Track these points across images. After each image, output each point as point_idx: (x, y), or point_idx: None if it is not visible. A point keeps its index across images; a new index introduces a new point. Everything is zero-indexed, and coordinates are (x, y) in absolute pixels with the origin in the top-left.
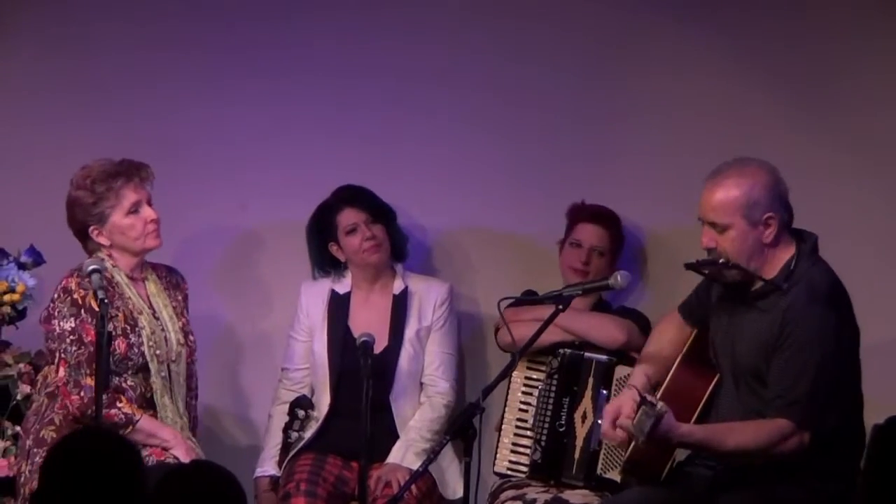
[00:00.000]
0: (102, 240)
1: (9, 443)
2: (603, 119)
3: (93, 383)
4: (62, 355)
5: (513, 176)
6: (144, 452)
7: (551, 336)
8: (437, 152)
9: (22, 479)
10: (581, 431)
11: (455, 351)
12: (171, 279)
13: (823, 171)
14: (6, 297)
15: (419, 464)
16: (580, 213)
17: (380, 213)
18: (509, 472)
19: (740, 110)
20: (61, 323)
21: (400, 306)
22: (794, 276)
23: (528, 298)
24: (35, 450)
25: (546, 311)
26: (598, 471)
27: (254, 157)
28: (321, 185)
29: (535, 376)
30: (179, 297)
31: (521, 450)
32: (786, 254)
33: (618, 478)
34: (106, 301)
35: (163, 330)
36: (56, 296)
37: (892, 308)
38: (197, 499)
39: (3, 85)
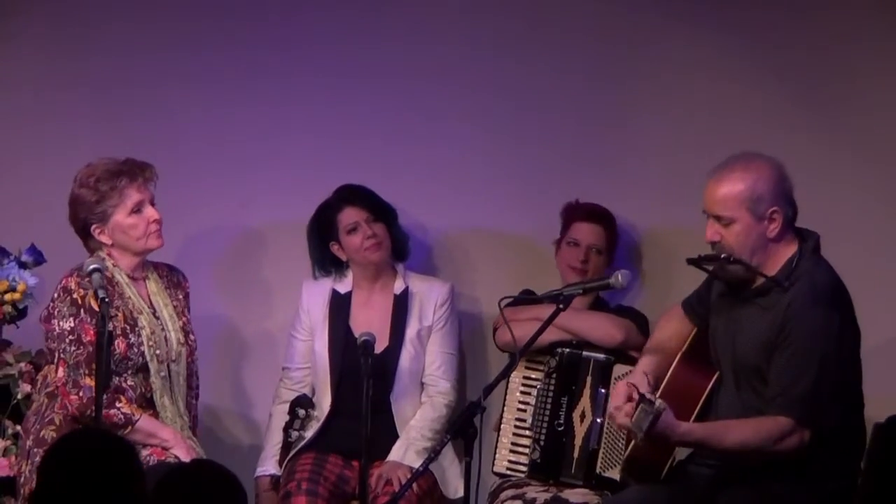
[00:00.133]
0: (104, 238)
1: (9, 442)
2: (603, 119)
3: (92, 383)
4: (61, 355)
5: (514, 175)
6: (145, 452)
7: (549, 335)
8: (437, 152)
9: (22, 479)
10: (580, 430)
11: (456, 351)
12: (173, 278)
13: (823, 171)
14: (7, 296)
15: (420, 462)
16: (575, 212)
17: (381, 211)
18: (508, 472)
19: (740, 110)
20: (61, 322)
21: (401, 306)
22: (796, 273)
23: (529, 298)
24: (35, 450)
25: (543, 310)
26: (598, 470)
27: (255, 157)
28: (322, 184)
29: (533, 376)
30: (180, 296)
31: (520, 449)
32: (788, 251)
33: (617, 476)
34: (107, 300)
35: (163, 329)
36: (56, 295)
37: (892, 308)
38: (197, 498)
39: (4, 85)
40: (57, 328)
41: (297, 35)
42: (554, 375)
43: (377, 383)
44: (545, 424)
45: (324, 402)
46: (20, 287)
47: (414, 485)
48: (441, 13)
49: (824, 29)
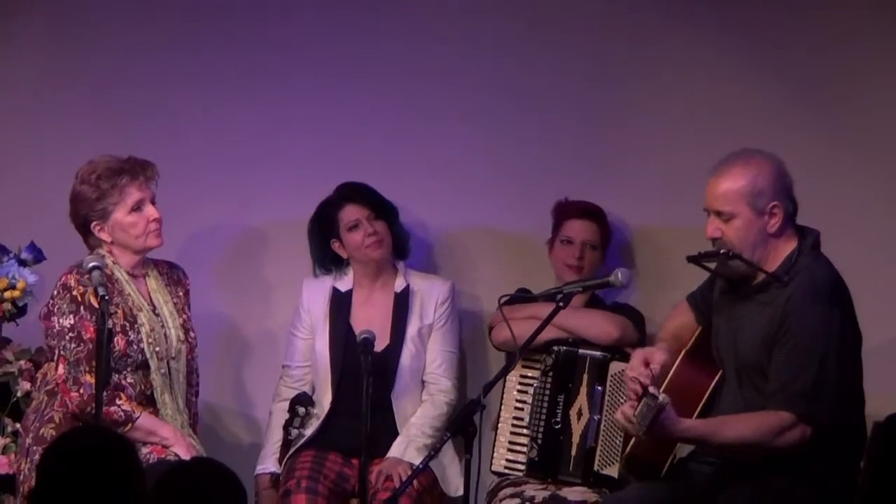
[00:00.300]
0: (104, 236)
1: (9, 440)
2: (603, 119)
3: (92, 380)
4: (61, 352)
5: (513, 175)
6: (145, 450)
7: (546, 333)
8: (437, 152)
9: (21, 476)
10: (577, 428)
11: (456, 349)
12: (173, 275)
13: (823, 171)
14: (7, 294)
15: (420, 459)
16: (567, 210)
17: (382, 209)
18: (506, 471)
19: (740, 110)
20: (60, 320)
21: (402, 304)
22: (795, 268)
23: (528, 296)
24: (35, 448)
25: (540, 308)
26: (595, 467)
27: (255, 157)
28: (322, 184)
29: (529, 374)
30: (181, 293)
31: (518, 448)
32: (788, 247)
33: (615, 473)
34: (107, 298)
35: (162, 327)
36: (55, 292)
37: (892, 305)
38: (197, 496)
39: (4, 85)
40: (57, 325)
41: (297, 35)
42: (550, 373)
43: (378, 381)
44: (542, 423)
45: (324, 400)
46: (20, 284)
47: (414, 481)
48: (441, 13)
49: (824, 29)
